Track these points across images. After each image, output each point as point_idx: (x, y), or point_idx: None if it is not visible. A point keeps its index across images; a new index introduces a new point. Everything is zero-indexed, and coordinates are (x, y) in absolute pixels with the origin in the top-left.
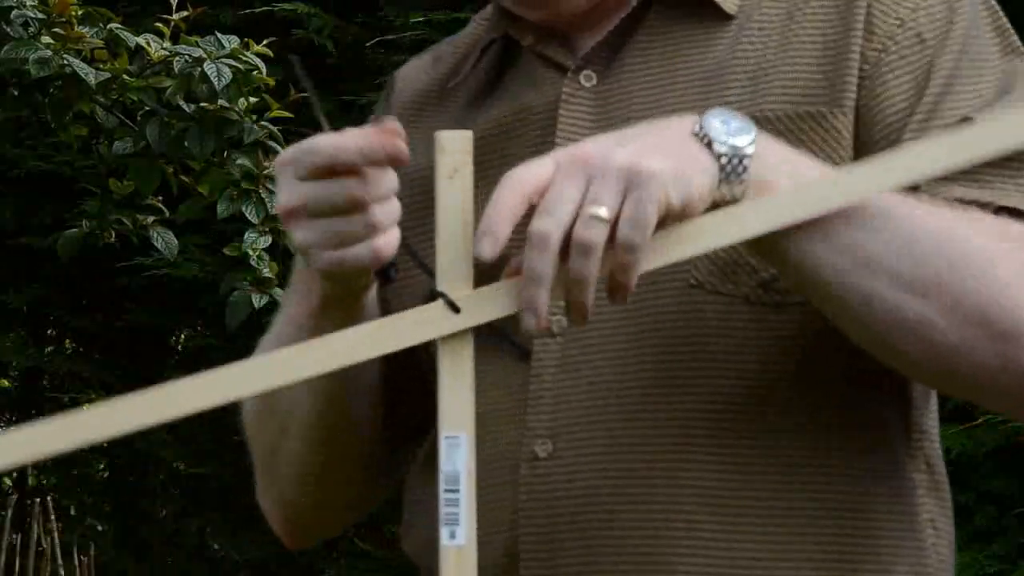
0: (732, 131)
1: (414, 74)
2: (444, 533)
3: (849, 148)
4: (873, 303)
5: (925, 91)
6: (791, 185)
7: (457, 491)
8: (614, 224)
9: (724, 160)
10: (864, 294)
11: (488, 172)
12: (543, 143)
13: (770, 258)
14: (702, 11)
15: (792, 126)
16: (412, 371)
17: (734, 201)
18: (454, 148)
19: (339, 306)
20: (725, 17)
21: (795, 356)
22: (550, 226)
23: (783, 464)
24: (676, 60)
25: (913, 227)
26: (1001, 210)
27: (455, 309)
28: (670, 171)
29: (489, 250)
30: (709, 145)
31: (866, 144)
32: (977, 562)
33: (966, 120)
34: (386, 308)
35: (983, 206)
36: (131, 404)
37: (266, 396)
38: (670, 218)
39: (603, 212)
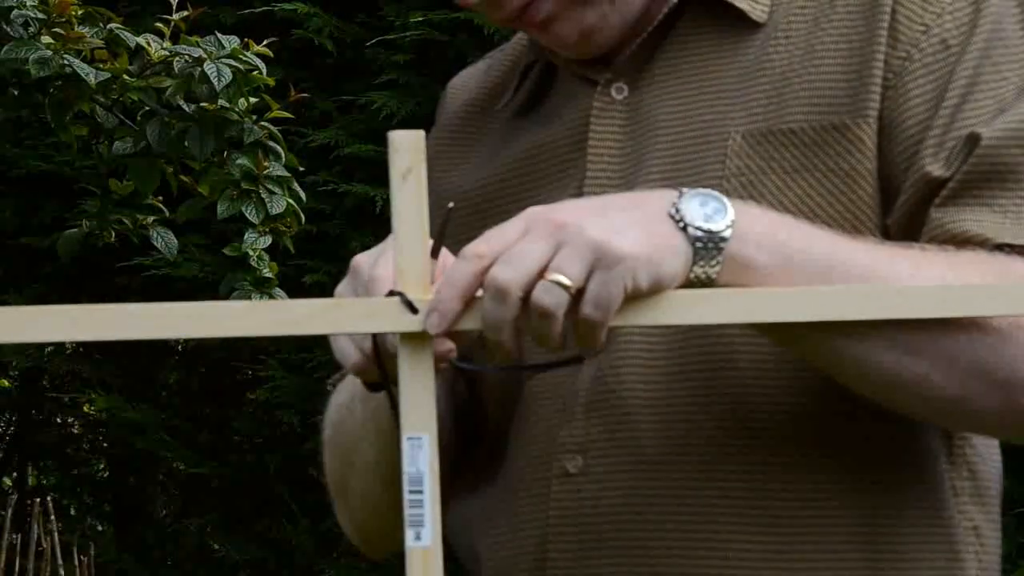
0: (709, 214)
1: (465, 84)
2: (409, 535)
3: (873, 158)
4: (868, 366)
5: (943, 101)
6: (769, 257)
7: (421, 492)
8: (577, 293)
9: (699, 244)
10: (858, 357)
11: (528, 185)
12: (575, 157)
13: (756, 326)
14: (732, 20)
15: (816, 137)
16: (480, 412)
17: (708, 279)
18: (407, 148)
19: None
20: (754, 26)
21: (838, 395)
22: (509, 278)
23: (816, 479)
24: (705, 71)
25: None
26: (999, 245)
27: (413, 310)
28: (642, 255)
29: (437, 327)
30: (684, 229)
31: (887, 155)
32: None
33: (973, 137)
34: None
35: (980, 243)
36: (79, 314)
37: (335, 428)
38: (639, 296)
39: (565, 279)
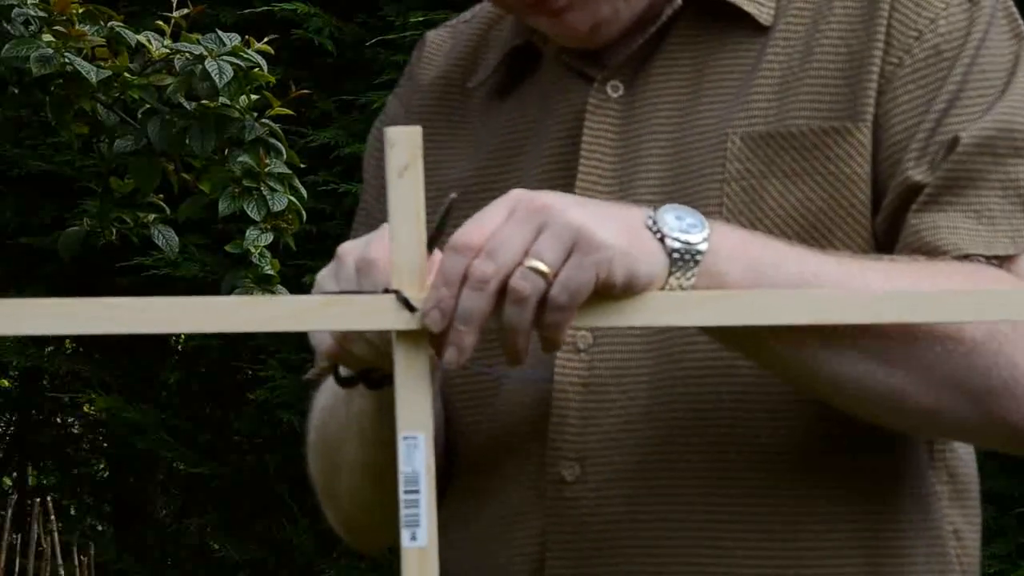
0: (685, 227)
1: (439, 49)
2: (405, 535)
3: (868, 162)
4: (841, 379)
5: (931, 107)
6: (743, 271)
7: (417, 492)
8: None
9: (676, 256)
10: (832, 371)
11: (513, 174)
12: (566, 152)
13: (722, 339)
14: (735, 22)
15: (817, 141)
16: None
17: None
18: (403, 144)
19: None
20: (758, 28)
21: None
22: (490, 270)
23: (811, 484)
24: (703, 72)
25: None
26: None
27: (410, 308)
28: (620, 246)
29: (439, 325)
30: (662, 240)
31: (877, 159)
32: None
33: (953, 141)
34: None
35: (953, 251)
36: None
37: (320, 431)
38: (612, 293)
39: (542, 266)
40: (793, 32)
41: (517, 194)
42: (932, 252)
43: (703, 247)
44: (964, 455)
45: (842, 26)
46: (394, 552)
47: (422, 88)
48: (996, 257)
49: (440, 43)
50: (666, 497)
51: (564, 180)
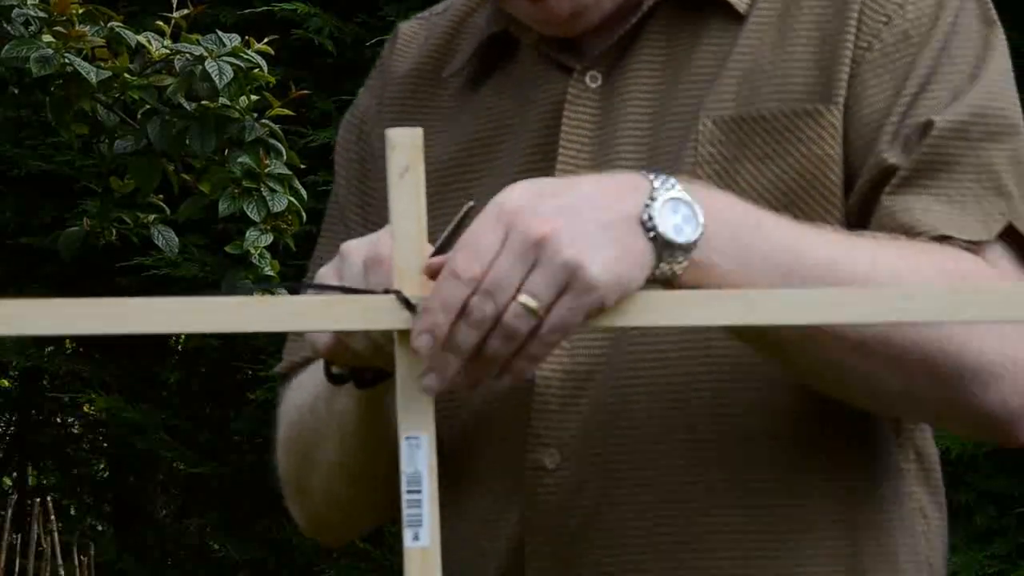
0: (679, 223)
1: (412, 41)
2: (407, 535)
3: (840, 144)
4: (816, 364)
5: (902, 91)
6: (732, 266)
7: (419, 492)
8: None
9: (667, 252)
10: (808, 355)
11: (491, 164)
12: (545, 142)
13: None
14: (713, 11)
15: (788, 123)
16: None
17: (671, 276)
18: (405, 145)
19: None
20: (736, 17)
21: None
22: (488, 311)
23: (787, 465)
24: (679, 61)
25: (853, 279)
26: (944, 236)
27: (411, 308)
28: (612, 281)
29: (426, 350)
30: (655, 239)
31: (849, 141)
32: (977, 562)
33: (927, 125)
34: None
35: (927, 233)
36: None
37: (294, 428)
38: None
39: (535, 304)
40: (766, 18)
41: (510, 213)
42: (907, 233)
43: (696, 241)
44: (930, 434)
45: (815, 11)
46: (395, 552)
47: (395, 80)
48: (970, 242)
49: (413, 35)
50: (643, 485)
51: (544, 171)
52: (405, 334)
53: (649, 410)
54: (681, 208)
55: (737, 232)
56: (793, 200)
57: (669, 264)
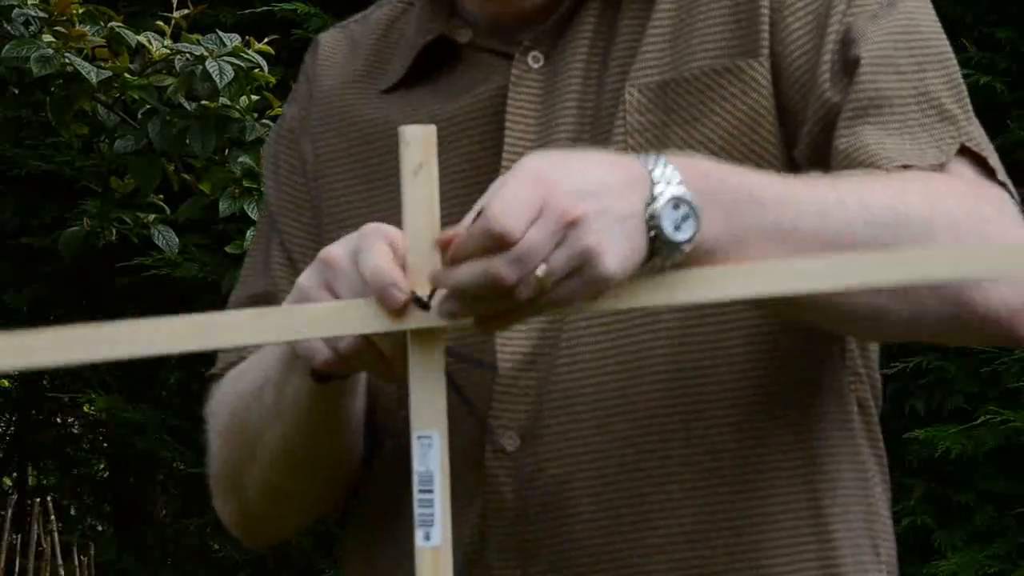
0: (679, 221)
1: (334, 56)
2: (419, 535)
3: (770, 96)
4: (819, 301)
5: (827, 28)
6: (726, 250)
7: (431, 491)
8: None
9: (666, 251)
10: (814, 298)
11: (443, 165)
12: (492, 129)
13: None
14: None
15: (711, 82)
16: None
17: (655, 270)
18: (418, 142)
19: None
20: None
21: (760, 334)
22: (511, 279)
23: (743, 426)
24: (613, 35)
25: (850, 222)
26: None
27: (424, 306)
28: (621, 273)
29: (451, 315)
30: (655, 238)
31: (782, 90)
32: (977, 562)
33: (854, 60)
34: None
35: (887, 165)
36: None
37: (236, 416)
38: None
39: (546, 278)
40: None
41: (547, 183)
42: (868, 168)
43: (692, 238)
44: (874, 389)
45: None
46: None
47: (323, 90)
48: (932, 167)
49: (336, 44)
50: (602, 460)
51: (491, 155)
52: (418, 333)
53: (601, 385)
54: (682, 205)
55: (731, 217)
56: (725, 159)
57: (664, 259)
